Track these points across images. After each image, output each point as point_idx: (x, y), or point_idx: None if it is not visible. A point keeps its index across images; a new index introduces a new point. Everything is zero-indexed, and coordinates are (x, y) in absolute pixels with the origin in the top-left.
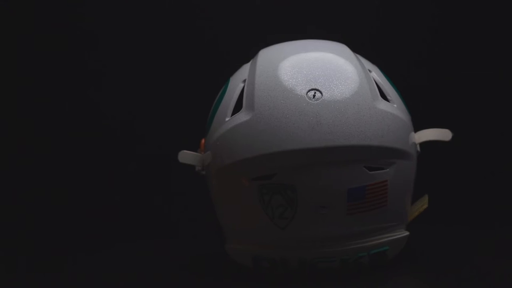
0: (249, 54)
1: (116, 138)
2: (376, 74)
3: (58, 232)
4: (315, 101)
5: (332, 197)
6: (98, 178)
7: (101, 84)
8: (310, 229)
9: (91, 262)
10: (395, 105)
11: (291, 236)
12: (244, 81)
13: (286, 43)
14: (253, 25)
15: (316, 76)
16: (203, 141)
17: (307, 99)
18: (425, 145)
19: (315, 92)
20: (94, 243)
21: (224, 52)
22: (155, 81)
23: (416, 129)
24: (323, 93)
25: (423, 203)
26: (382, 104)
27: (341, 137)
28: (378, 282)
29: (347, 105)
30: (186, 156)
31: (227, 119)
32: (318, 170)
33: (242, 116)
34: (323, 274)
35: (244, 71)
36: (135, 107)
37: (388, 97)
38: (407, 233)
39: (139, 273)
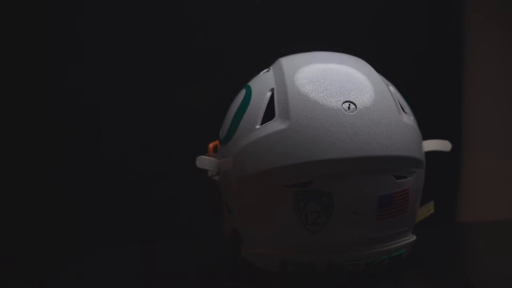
0: (250, 59)
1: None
2: (393, 88)
3: (55, 233)
4: (351, 113)
5: (365, 203)
6: (95, 178)
7: (102, 83)
8: (341, 234)
9: (87, 265)
10: (412, 118)
11: (322, 241)
12: (272, 89)
13: (307, 53)
14: (252, 29)
15: (349, 89)
16: (211, 145)
17: (343, 110)
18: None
19: (349, 104)
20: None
21: (224, 55)
22: (156, 84)
23: None
24: (357, 106)
25: (429, 209)
26: (405, 117)
27: (376, 148)
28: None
29: (380, 117)
30: (204, 161)
31: (257, 126)
32: (354, 178)
33: (277, 125)
34: (336, 277)
35: (268, 80)
36: (133, 108)
37: (405, 110)
38: (415, 237)
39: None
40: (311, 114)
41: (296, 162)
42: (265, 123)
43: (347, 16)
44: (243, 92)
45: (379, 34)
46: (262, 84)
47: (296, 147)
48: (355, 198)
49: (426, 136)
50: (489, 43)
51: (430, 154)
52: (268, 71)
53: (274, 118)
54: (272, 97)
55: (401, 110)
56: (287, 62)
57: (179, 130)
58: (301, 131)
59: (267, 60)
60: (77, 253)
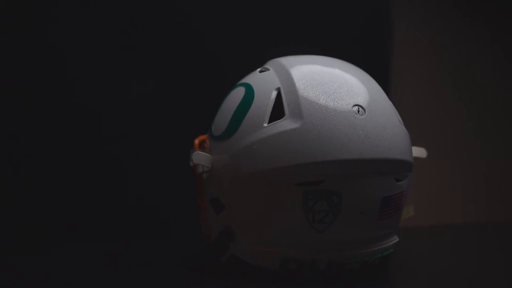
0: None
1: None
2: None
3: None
4: (361, 116)
5: (370, 204)
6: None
7: (92, 83)
8: (345, 233)
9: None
10: (403, 123)
11: (326, 239)
12: (278, 89)
13: (304, 56)
14: (237, 27)
15: (356, 93)
16: (197, 141)
17: (353, 113)
18: None
19: (358, 108)
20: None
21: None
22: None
23: None
24: (366, 110)
25: (408, 211)
26: (401, 123)
27: (385, 151)
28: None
29: (385, 122)
30: (200, 157)
31: (265, 124)
32: (363, 179)
33: (288, 124)
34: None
35: (270, 79)
36: (120, 105)
37: (398, 117)
38: (398, 238)
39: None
40: (323, 115)
41: (311, 161)
42: (272, 121)
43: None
44: (241, 90)
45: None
46: (265, 83)
47: (310, 146)
48: (362, 199)
49: None
50: (414, 47)
51: None
52: (265, 70)
53: (284, 117)
54: (278, 96)
55: (399, 116)
56: (289, 63)
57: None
58: (315, 131)
59: (250, 59)
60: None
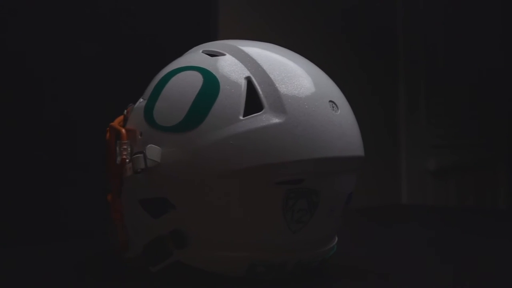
0: None
1: None
2: None
3: None
4: (336, 113)
5: (340, 201)
6: None
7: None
8: (316, 232)
9: None
10: None
11: (298, 239)
12: (247, 78)
13: (263, 43)
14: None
15: (327, 88)
16: (123, 131)
17: (331, 109)
18: None
19: (332, 104)
20: None
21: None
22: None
23: None
24: (338, 106)
25: None
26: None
27: (357, 148)
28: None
29: (353, 118)
30: (155, 151)
31: (241, 117)
32: (339, 176)
33: (269, 118)
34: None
35: (235, 66)
36: None
37: None
38: None
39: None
40: (307, 110)
41: (297, 159)
42: (248, 114)
43: None
44: (194, 75)
45: None
46: (229, 70)
47: (296, 143)
48: (335, 196)
49: None
50: None
51: None
52: (219, 55)
53: (264, 111)
54: (249, 86)
55: None
56: (249, 49)
57: None
58: (300, 127)
59: None
60: None
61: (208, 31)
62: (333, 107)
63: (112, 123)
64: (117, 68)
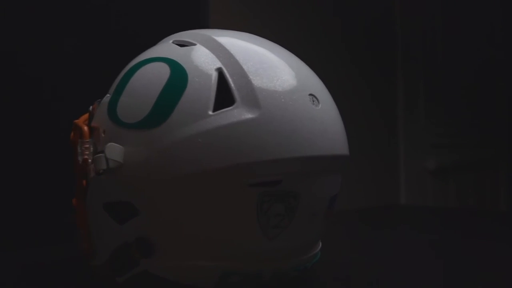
0: None
1: None
2: None
3: None
4: (316, 107)
5: (322, 204)
6: None
7: None
8: (295, 238)
9: None
10: None
11: (276, 247)
12: (219, 69)
13: (235, 32)
14: None
15: (307, 80)
16: (86, 128)
17: (310, 104)
18: None
19: (313, 98)
20: None
21: None
22: None
23: None
24: (319, 100)
25: None
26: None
27: (341, 147)
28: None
29: (336, 114)
30: (115, 150)
31: (210, 112)
32: (322, 177)
33: (241, 113)
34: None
35: (205, 57)
36: None
37: None
38: None
39: None
40: (283, 104)
41: (272, 158)
42: (219, 109)
43: None
44: (161, 67)
45: None
46: (199, 61)
47: (270, 141)
48: (316, 199)
49: None
50: None
51: None
52: (189, 45)
53: (235, 105)
54: (220, 78)
55: None
56: (222, 39)
57: None
58: (275, 123)
59: None
60: None
61: (198, 26)
62: (313, 101)
63: (76, 121)
64: (102, 66)
